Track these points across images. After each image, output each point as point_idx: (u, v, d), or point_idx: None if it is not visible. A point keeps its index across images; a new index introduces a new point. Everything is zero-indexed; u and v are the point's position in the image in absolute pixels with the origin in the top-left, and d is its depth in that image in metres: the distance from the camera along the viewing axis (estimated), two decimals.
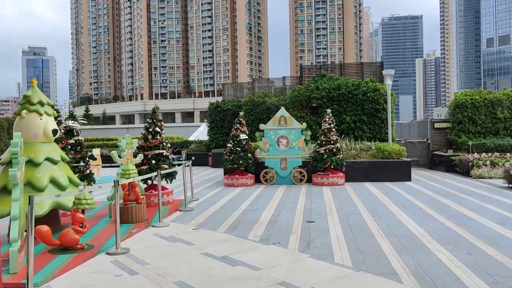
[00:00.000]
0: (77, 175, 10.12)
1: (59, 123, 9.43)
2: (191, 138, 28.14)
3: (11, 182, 6.85)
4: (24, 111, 7.36)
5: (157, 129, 10.38)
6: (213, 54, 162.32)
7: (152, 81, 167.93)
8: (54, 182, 7.26)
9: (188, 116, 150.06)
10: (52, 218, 7.33)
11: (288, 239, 6.78)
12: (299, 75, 20.66)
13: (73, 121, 10.49)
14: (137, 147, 10.38)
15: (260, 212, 9.20)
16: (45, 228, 6.07)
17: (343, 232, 7.17)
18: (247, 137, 14.10)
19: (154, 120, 10.48)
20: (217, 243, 6.64)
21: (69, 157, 10.16)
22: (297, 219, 8.31)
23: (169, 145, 10.76)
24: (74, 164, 10.20)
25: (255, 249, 6.23)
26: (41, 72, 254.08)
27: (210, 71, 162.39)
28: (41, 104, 7.46)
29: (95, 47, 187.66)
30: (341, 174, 13.84)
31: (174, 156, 23.48)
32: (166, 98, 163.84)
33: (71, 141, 10.33)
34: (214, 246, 6.46)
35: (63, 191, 7.29)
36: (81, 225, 6.44)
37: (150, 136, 10.32)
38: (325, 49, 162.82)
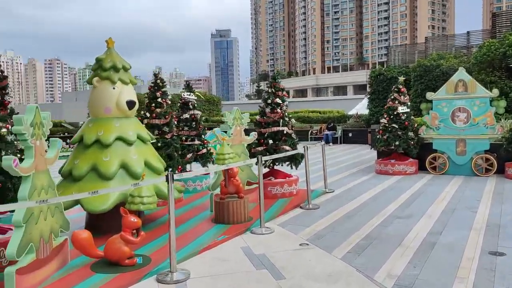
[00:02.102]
0: (190, 154, 8.68)
1: (163, 94, 7.99)
2: (351, 112, 25.11)
3: (77, 167, 5.58)
4: (95, 79, 5.94)
5: (278, 100, 8.09)
6: (389, 22, 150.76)
7: (324, 54, 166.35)
8: (125, 168, 5.70)
9: (360, 89, 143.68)
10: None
11: None
12: (490, 27, 15.54)
13: (189, 93, 9.03)
14: (254, 123, 8.32)
15: (413, 222, 6.14)
16: (84, 234, 4.47)
17: None
18: (408, 110, 10.67)
19: (274, 89, 8.20)
20: (321, 282, 4.08)
21: (183, 134, 8.81)
22: (472, 245, 5.03)
23: (293, 120, 8.39)
24: (189, 143, 8.78)
25: None
26: (226, 52, 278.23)
27: (386, 40, 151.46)
28: (115, 69, 5.93)
29: (271, 25, 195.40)
30: None
31: (328, 132, 21.02)
32: (338, 72, 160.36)
33: (186, 115, 8.91)
34: None
35: (137, 179, 5.68)
36: (134, 232, 4.67)
37: (268, 110, 8.10)
38: None
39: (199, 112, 9.13)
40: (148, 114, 7.74)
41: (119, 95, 5.87)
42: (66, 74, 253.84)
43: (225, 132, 7.88)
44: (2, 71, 5.82)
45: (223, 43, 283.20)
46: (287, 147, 7.92)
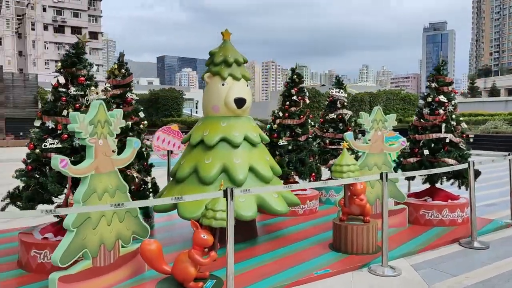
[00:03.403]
0: (333, 160, 7.61)
1: (299, 91, 7.09)
2: None
3: (181, 168, 5.29)
4: (206, 75, 5.52)
5: (442, 98, 6.20)
6: None
7: None
8: (227, 173, 5.09)
9: None
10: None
11: None
12: None
13: (338, 90, 7.93)
14: (409, 127, 6.63)
15: None
16: (152, 245, 4.02)
17: None
18: None
19: (437, 84, 6.32)
20: None
21: (327, 137, 7.82)
22: None
23: (464, 125, 6.32)
24: (333, 146, 7.74)
25: None
26: (439, 47, 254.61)
27: None
28: (227, 63, 5.37)
29: (498, 12, 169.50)
30: None
31: None
32: None
33: (332, 115, 7.86)
34: None
35: (237, 186, 5.02)
36: (205, 250, 4.00)
37: (427, 110, 6.30)
38: None
39: (349, 112, 7.89)
40: (280, 114, 6.98)
41: (227, 92, 5.29)
42: (279, 75, 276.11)
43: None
44: (128, 69, 5.96)
45: (437, 37, 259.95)
46: (451, 161, 5.99)
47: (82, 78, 4.52)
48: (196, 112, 59.48)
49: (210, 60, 5.52)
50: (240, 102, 5.28)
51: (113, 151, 3.94)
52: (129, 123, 5.77)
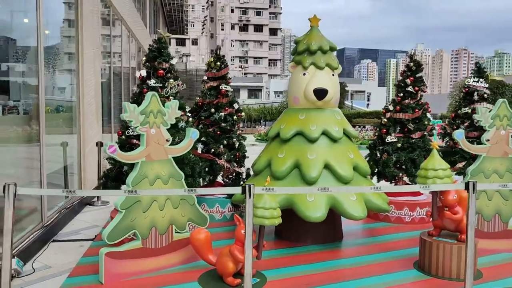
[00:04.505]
0: (463, 163, 6.52)
1: (416, 81, 6.12)
2: None
3: (258, 161, 5.25)
4: (290, 64, 5.26)
5: None
6: None
7: None
8: (300, 168, 4.77)
9: None
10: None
11: None
12: None
13: (476, 79, 6.68)
14: None
15: None
16: (200, 234, 4.08)
17: None
18: None
19: None
20: None
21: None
22: None
23: None
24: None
25: None
26: None
27: None
28: (310, 52, 5.00)
29: None
30: None
31: None
32: None
33: (466, 109, 6.68)
34: None
35: (309, 184, 4.68)
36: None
37: None
38: None
39: (489, 106, 6.47)
40: (391, 107, 6.17)
41: (308, 83, 4.94)
42: (472, 64, 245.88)
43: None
44: (224, 61, 6.11)
45: None
46: None
47: (161, 71, 4.84)
48: (368, 106, 57.98)
49: (295, 49, 5.24)
50: (320, 93, 4.86)
51: (167, 140, 4.10)
52: (223, 114, 5.96)
